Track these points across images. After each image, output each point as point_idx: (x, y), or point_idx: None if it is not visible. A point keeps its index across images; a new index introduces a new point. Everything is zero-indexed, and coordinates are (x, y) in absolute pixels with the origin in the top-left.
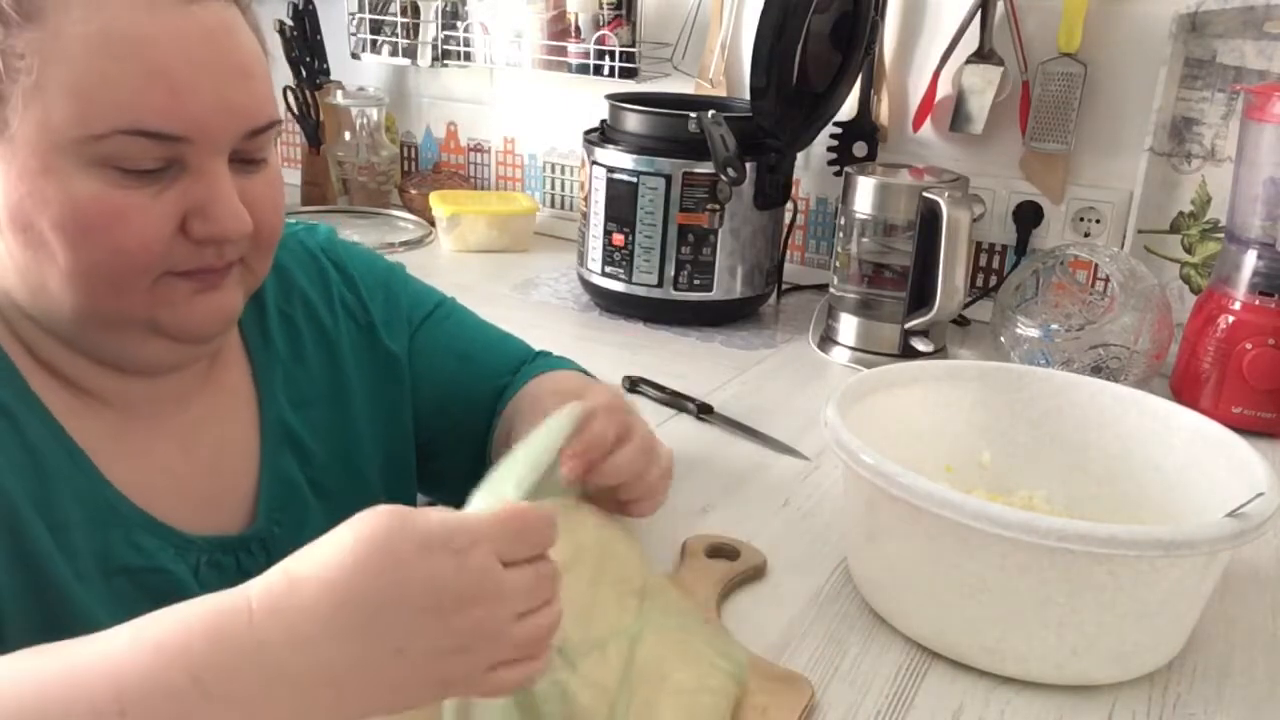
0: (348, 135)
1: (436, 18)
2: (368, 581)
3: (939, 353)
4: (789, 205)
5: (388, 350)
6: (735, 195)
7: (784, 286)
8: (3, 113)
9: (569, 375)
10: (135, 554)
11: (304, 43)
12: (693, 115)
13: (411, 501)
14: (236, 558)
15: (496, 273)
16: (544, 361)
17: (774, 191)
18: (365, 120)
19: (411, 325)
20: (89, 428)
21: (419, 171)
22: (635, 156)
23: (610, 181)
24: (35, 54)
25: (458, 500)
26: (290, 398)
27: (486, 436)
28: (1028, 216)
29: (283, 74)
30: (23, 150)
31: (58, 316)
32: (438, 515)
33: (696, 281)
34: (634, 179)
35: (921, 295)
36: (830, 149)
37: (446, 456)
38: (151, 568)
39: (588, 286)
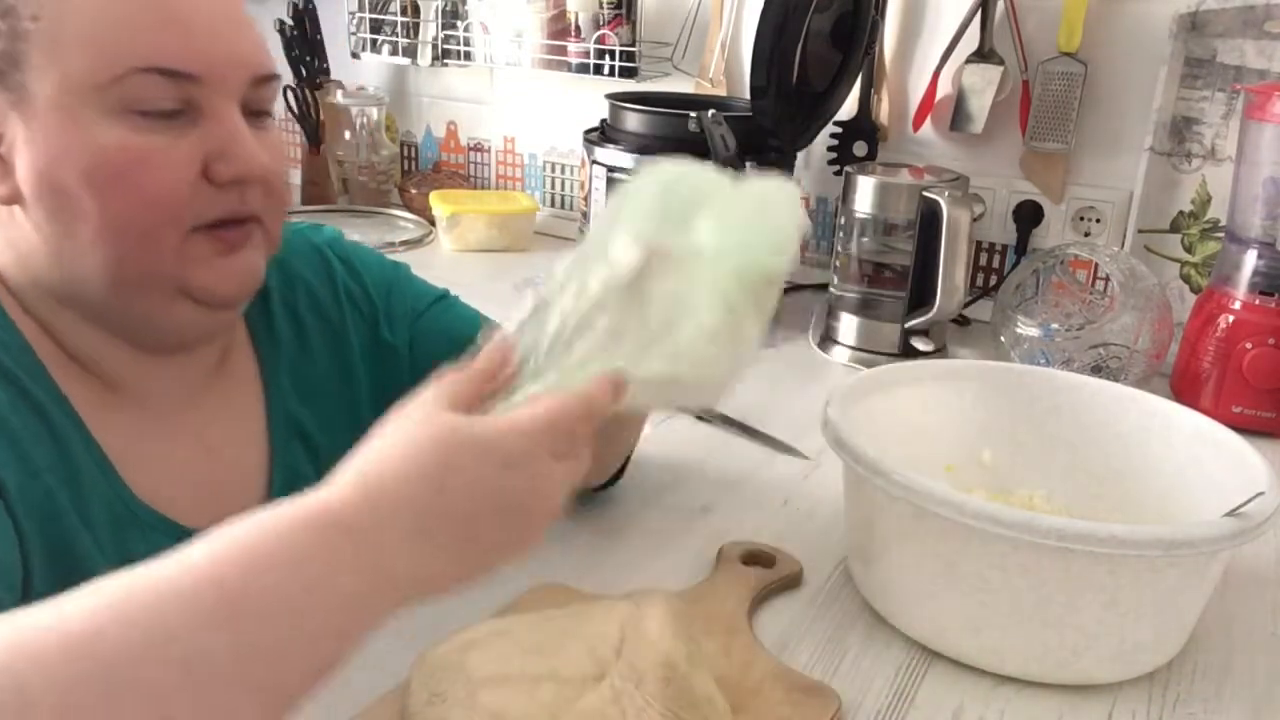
0: (348, 135)
1: (436, 17)
2: (434, 496)
3: (939, 352)
4: None
5: (389, 342)
6: None
7: (784, 286)
8: (22, 78)
9: None
10: (153, 554)
11: (304, 42)
12: (693, 115)
13: None
14: None
15: (496, 272)
16: None
17: None
18: (365, 120)
19: (413, 316)
20: (109, 424)
21: (419, 171)
22: (635, 156)
23: (611, 181)
24: (49, 13)
25: None
26: (297, 390)
27: None
28: (1028, 216)
29: (283, 74)
30: (45, 111)
31: (88, 284)
32: (491, 430)
33: None
34: None
35: (921, 295)
36: (830, 148)
37: None
38: None
39: None
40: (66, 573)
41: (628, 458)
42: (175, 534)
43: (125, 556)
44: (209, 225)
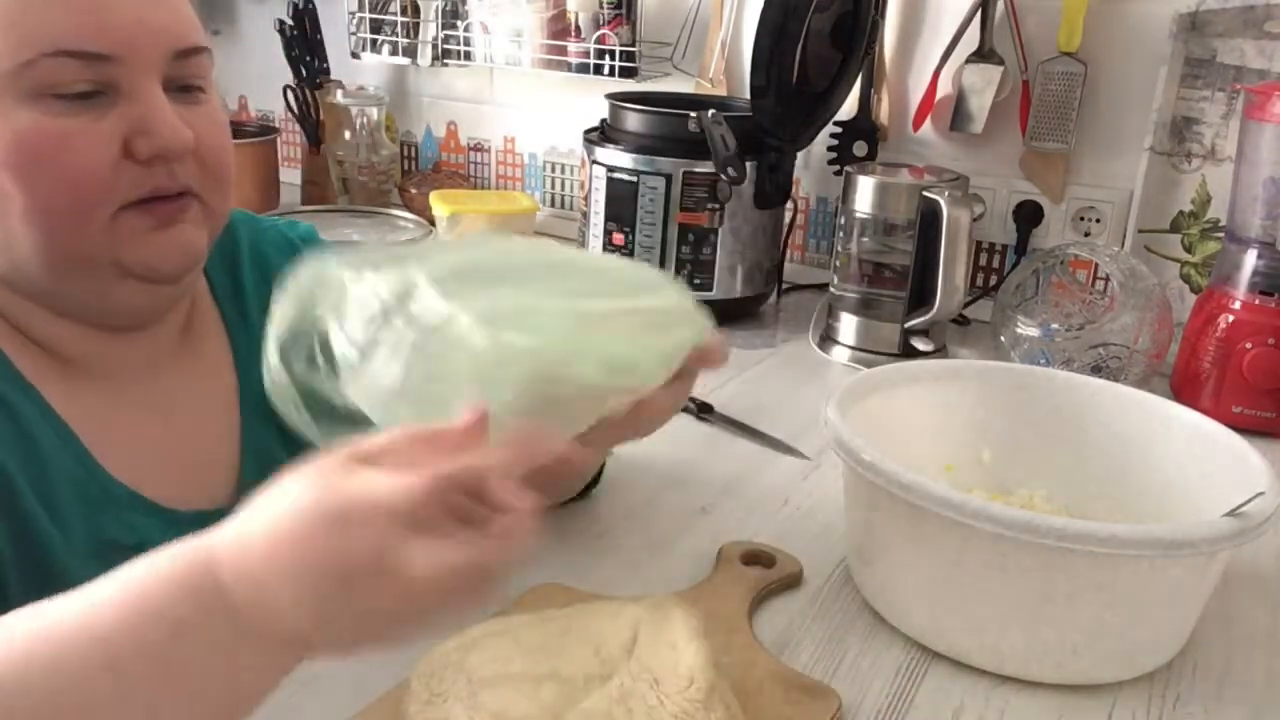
0: (348, 134)
1: (436, 17)
2: (294, 563)
3: (939, 352)
4: (789, 204)
5: None
6: (735, 194)
7: (784, 286)
8: None
9: None
10: (127, 532)
11: (304, 42)
12: (693, 115)
13: None
14: None
15: None
16: None
17: (774, 191)
18: (365, 119)
19: None
20: (72, 400)
21: (419, 171)
22: (635, 156)
23: (610, 181)
24: None
25: None
26: None
27: None
28: (1028, 216)
29: (283, 73)
30: None
31: (27, 267)
32: (349, 493)
33: (697, 281)
34: (634, 178)
35: (921, 295)
36: (830, 148)
37: None
38: (142, 544)
39: None
40: (24, 550)
41: (601, 469)
42: (150, 512)
43: (97, 537)
44: (141, 201)
